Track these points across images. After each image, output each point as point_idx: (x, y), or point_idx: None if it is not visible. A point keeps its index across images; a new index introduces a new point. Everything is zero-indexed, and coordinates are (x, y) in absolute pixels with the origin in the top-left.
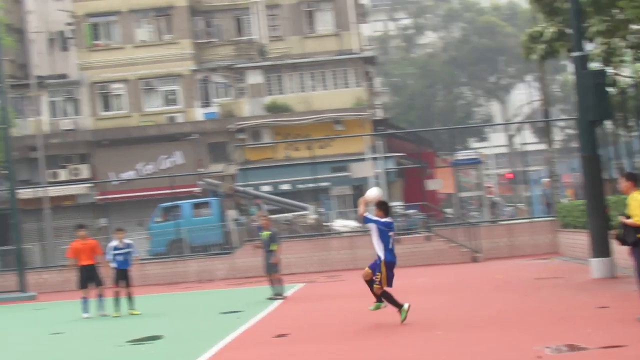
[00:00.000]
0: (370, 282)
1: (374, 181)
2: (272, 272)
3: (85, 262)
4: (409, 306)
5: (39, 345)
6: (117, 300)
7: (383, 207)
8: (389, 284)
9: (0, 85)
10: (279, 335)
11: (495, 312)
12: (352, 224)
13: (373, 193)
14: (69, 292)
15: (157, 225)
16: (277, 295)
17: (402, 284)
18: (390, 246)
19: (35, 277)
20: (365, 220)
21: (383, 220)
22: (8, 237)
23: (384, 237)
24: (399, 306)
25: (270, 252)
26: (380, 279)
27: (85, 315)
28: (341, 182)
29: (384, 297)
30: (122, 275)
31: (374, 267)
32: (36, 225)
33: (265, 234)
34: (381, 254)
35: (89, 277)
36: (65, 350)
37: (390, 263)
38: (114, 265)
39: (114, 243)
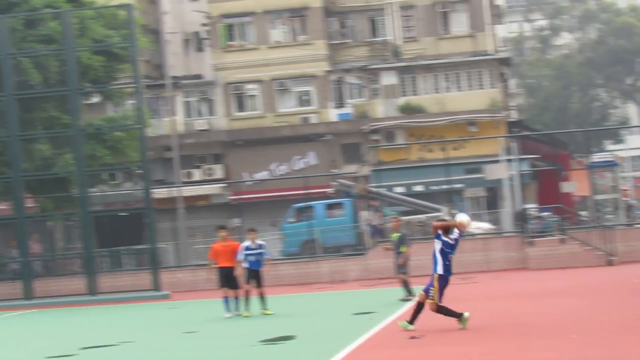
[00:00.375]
0: (421, 306)
1: (508, 183)
2: (400, 273)
3: (224, 264)
4: (469, 315)
5: (173, 344)
6: (247, 299)
7: (445, 228)
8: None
9: (136, 86)
10: (412, 337)
11: (632, 316)
12: (485, 226)
13: (466, 219)
14: (201, 291)
15: (290, 225)
16: (407, 297)
17: (534, 287)
18: (447, 262)
19: (169, 276)
20: (437, 235)
21: (450, 242)
22: (142, 236)
23: (444, 254)
24: (458, 316)
25: (400, 253)
26: (433, 294)
27: (227, 315)
28: (475, 184)
29: (440, 312)
30: (254, 275)
31: (428, 286)
32: (170, 225)
33: (395, 235)
34: (438, 267)
35: (227, 278)
36: (199, 349)
37: (444, 277)
38: (245, 265)
39: (246, 243)
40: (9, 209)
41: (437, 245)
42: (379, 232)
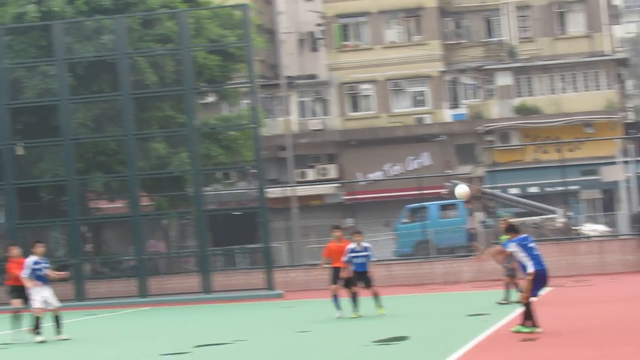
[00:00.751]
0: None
1: (625, 185)
2: (509, 276)
3: (338, 264)
4: (538, 331)
5: (286, 343)
6: (355, 300)
7: (512, 229)
8: (534, 294)
9: (251, 86)
10: (527, 340)
11: None
12: (601, 228)
13: (462, 190)
14: (314, 290)
15: (404, 226)
16: (504, 300)
17: None
18: (535, 253)
19: (282, 275)
20: (506, 246)
21: (517, 238)
22: (256, 235)
23: (526, 250)
24: (530, 318)
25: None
26: (525, 288)
27: (337, 314)
28: (591, 186)
29: (525, 307)
30: (361, 277)
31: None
32: (284, 224)
33: (504, 237)
34: (528, 265)
35: (340, 278)
36: (312, 349)
37: (539, 272)
38: (352, 267)
39: (352, 246)
40: (125, 207)
41: (513, 248)
42: (471, 237)
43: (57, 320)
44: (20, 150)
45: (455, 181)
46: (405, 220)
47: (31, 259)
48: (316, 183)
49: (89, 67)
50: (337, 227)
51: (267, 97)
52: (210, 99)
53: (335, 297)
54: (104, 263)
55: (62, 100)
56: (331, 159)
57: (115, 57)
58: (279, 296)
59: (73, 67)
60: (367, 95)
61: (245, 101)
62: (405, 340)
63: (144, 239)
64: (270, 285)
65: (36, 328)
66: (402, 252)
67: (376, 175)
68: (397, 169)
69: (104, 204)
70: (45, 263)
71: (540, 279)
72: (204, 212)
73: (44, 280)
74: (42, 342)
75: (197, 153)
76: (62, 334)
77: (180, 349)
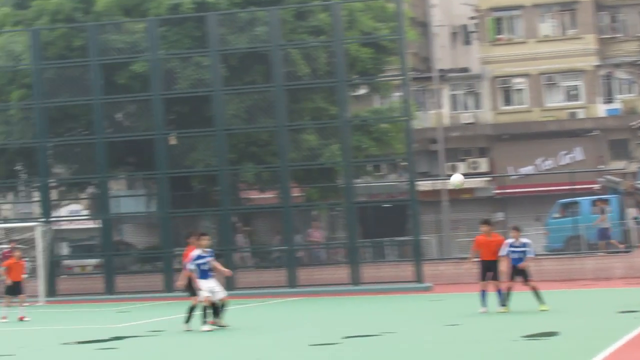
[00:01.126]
0: None
1: None
2: None
3: (486, 257)
4: None
5: (435, 336)
6: (508, 295)
7: None
8: None
9: (403, 78)
10: None
11: None
12: None
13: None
14: (464, 284)
15: (555, 221)
16: None
17: None
18: None
19: (431, 268)
20: None
21: None
22: (406, 228)
23: None
24: None
25: None
26: None
27: (482, 309)
28: None
29: None
30: (518, 272)
31: None
32: (433, 217)
33: None
34: None
35: (488, 271)
36: (460, 342)
37: None
38: (510, 262)
39: (510, 240)
40: (275, 197)
41: None
42: (603, 235)
43: (221, 307)
44: (173, 140)
45: (609, 177)
46: (557, 215)
47: (195, 252)
48: (467, 177)
49: (242, 59)
50: (485, 222)
51: (418, 90)
52: (362, 91)
53: (483, 292)
54: (254, 253)
55: (216, 91)
56: (482, 152)
57: (268, 48)
58: (427, 289)
59: (226, 58)
60: (520, 89)
61: (397, 94)
62: (555, 336)
63: (294, 229)
64: (419, 278)
65: (204, 317)
66: (552, 247)
67: (527, 169)
68: (548, 164)
69: (255, 195)
70: (210, 256)
71: None
72: (354, 204)
73: (207, 274)
74: (208, 330)
75: (348, 145)
76: (221, 321)
77: (328, 339)
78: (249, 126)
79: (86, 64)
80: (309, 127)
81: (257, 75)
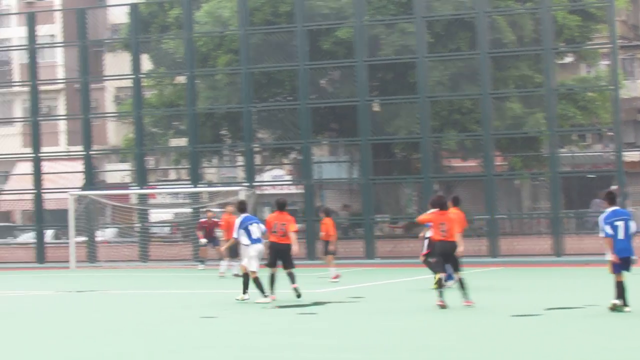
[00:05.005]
0: None
1: None
2: None
3: None
4: None
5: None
6: None
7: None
8: None
9: (611, 47)
10: None
11: None
12: None
13: None
14: None
15: None
16: None
17: None
18: None
19: (637, 241)
20: None
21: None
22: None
23: None
24: None
25: None
26: None
27: None
28: None
29: None
30: None
31: None
32: (639, 189)
33: None
34: None
35: None
36: None
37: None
38: None
39: None
40: (478, 166)
41: None
42: None
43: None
44: (376, 107)
45: None
46: None
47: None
48: None
49: (447, 25)
50: None
51: (627, 59)
52: (569, 59)
53: None
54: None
55: (420, 58)
56: None
57: (474, 15)
58: (633, 262)
59: (431, 25)
60: None
61: (605, 62)
62: None
63: (496, 198)
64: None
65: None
66: None
67: None
68: None
69: (457, 163)
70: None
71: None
72: (559, 173)
73: None
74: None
75: (554, 114)
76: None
77: (530, 311)
78: (453, 93)
79: (292, 30)
80: (514, 95)
81: (461, 42)
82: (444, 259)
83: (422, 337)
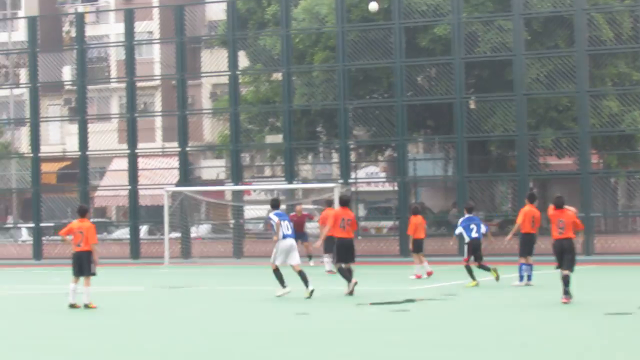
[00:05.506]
0: None
1: None
2: None
3: None
4: None
5: None
6: None
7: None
8: None
9: None
10: None
11: None
12: None
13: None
14: None
15: None
16: None
17: None
18: None
19: None
20: None
21: None
22: None
23: None
24: None
25: None
26: None
27: None
28: None
29: None
30: None
31: None
32: None
33: None
34: None
35: None
36: None
37: None
38: None
39: None
40: (574, 164)
41: None
42: None
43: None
44: (472, 104)
45: None
46: None
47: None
48: None
49: (545, 23)
50: None
51: None
52: None
53: None
54: None
55: (517, 55)
56: None
57: (572, 12)
58: None
59: (529, 22)
60: None
61: None
62: None
63: (591, 196)
64: None
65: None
66: None
67: None
68: None
69: (552, 160)
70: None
71: None
72: None
73: None
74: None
75: None
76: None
77: (624, 309)
78: (549, 91)
79: (389, 27)
80: (611, 93)
81: (559, 40)
82: (560, 256)
83: (519, 335)
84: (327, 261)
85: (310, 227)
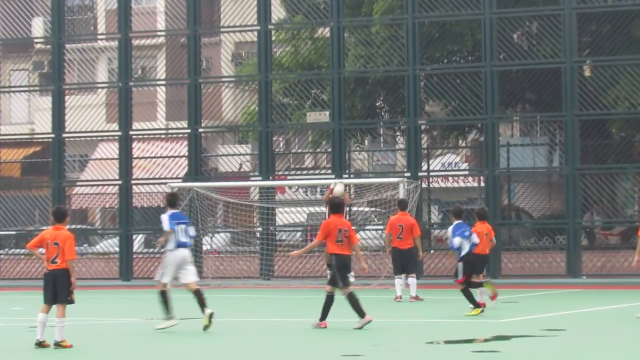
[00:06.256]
0: None
1: None
2: None
3: None
4: None
5: None
6: None
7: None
8: None
9: None
10: None
11: None
12: None
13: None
14: None
15: None
16: None
17: None
18: None
19: None
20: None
21: None
22: None
23: None
24: None
25: None
26: None
27: None
28: None
29: None
30: None
31: None
32: None
33: None
34: None
35: None
36: None
37: None
38: None
39: None
40: None
41: None
42: None
43: None
44: (587, 71)
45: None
46: None
47: None
48: None
49: None
50: None
51: None
52: None
53: None
54: None
55: None
56: None
57: None
58: None
59: None
60: None
61: None
62: None
63: None
64: None
65: None
66: None
67: None
68: None
69: None
70: None
71: None
72: None
73: None
74: None
75: None
76: None
77: None
78: None
79: None
80: None
81: None
82: None
83: None
84: (412, 282)
85: (365, 236)
